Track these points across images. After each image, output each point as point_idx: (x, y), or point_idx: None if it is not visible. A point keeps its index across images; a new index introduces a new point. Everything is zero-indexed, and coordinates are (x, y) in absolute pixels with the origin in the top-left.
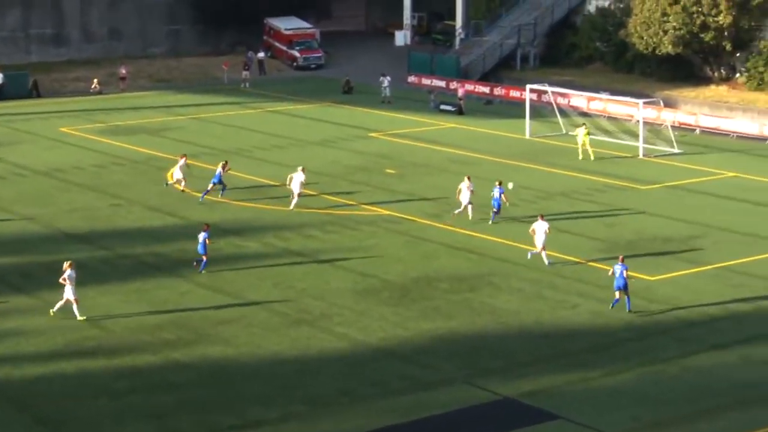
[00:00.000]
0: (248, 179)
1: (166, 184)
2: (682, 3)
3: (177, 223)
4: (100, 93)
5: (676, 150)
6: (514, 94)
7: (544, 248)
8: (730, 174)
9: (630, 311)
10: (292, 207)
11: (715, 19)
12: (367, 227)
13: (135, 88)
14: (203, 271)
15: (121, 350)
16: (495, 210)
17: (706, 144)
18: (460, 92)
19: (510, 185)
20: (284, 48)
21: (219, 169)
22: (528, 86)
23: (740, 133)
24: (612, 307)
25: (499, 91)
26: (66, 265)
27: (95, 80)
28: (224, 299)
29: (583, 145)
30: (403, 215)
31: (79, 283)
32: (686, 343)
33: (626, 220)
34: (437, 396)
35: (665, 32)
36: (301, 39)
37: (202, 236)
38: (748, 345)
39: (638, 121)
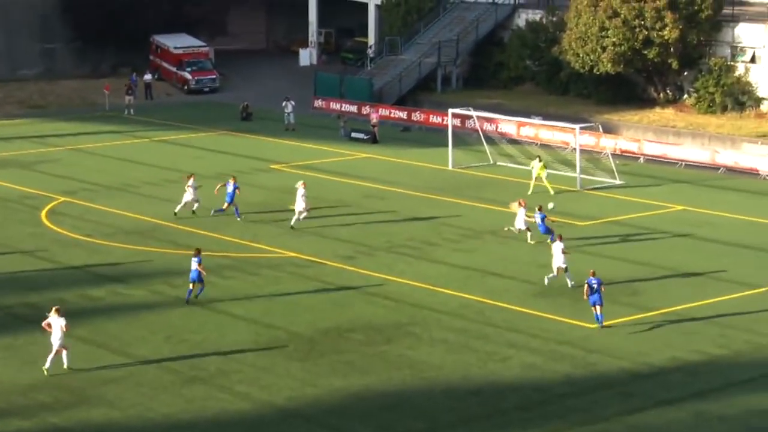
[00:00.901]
0: (134, 218)
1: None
2: (622, 16)
3: (52, 268)
4: None
5: (617, 181)
6: (435, 119)
7: (566, 269)
8: (679, 207)
9: (602, 326)
10: (293, 223)
11: (660, 33)
12: (270, 271)
13: (3, 116)
14: (198, 297)
15: None
16: (546, 234)
17: (651, 174)
18: (374, 118)
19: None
20: (173, 69)
21: (230, 188)
22: (450, 111)
23: (689, 161)
24: (600, 325)
25: (417, 116)
26: (53, 311)
27: None
28: (108, 355)
29: (538, 179)
30: (311, 258)
31: None
32: (632, 398)
33: None
34: None
35: (604, 49)
36: (193, 58)
37: (194, 262)
38: (701, 400)
39: (574, 149)
